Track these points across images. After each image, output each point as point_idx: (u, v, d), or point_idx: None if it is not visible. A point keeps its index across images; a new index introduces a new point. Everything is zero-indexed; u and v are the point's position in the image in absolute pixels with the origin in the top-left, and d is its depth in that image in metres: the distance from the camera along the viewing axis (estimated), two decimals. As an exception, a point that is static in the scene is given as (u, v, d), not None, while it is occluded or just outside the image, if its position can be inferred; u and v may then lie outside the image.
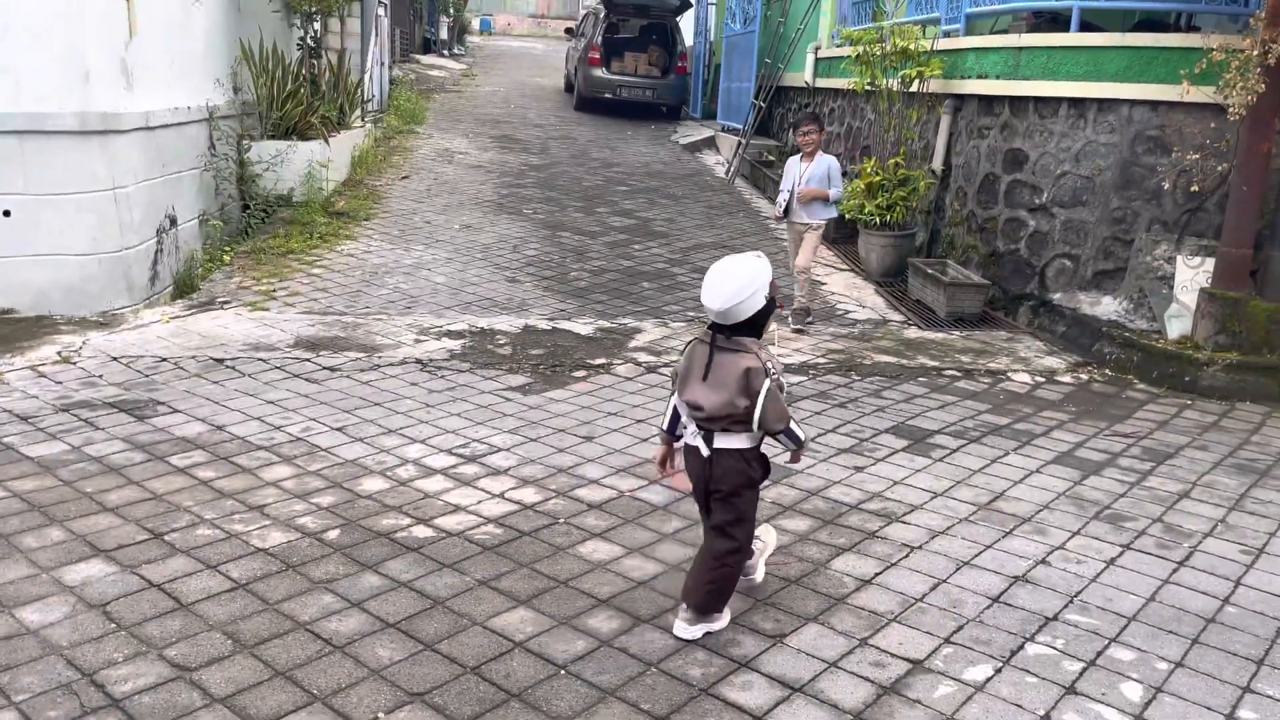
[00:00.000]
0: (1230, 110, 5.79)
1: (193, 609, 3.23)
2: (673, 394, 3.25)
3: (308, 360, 5.83)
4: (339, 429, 4.85)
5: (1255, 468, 4.85)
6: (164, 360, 5.68)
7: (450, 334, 6.50)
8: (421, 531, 3.87)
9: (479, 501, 4.16)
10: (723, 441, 3.11)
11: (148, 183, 6.75)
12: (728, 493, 3.15)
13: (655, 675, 3.02)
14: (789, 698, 2.94)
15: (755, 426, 3.05)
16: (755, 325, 3.11)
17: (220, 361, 5.71)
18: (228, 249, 7.94)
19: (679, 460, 3.37)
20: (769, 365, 3.06)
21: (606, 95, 16.87)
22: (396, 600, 3.37)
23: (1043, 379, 6.16)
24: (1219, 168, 6.32)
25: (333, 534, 3.80)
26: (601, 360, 6.12)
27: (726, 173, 12.69)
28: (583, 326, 6.81)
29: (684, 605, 3.22)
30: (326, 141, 9.35)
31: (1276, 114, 5.83)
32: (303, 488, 4.19)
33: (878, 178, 8.19)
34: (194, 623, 3.15)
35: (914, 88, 8.33)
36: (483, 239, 9.00)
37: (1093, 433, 5.26)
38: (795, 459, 3.34)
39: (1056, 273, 7.22)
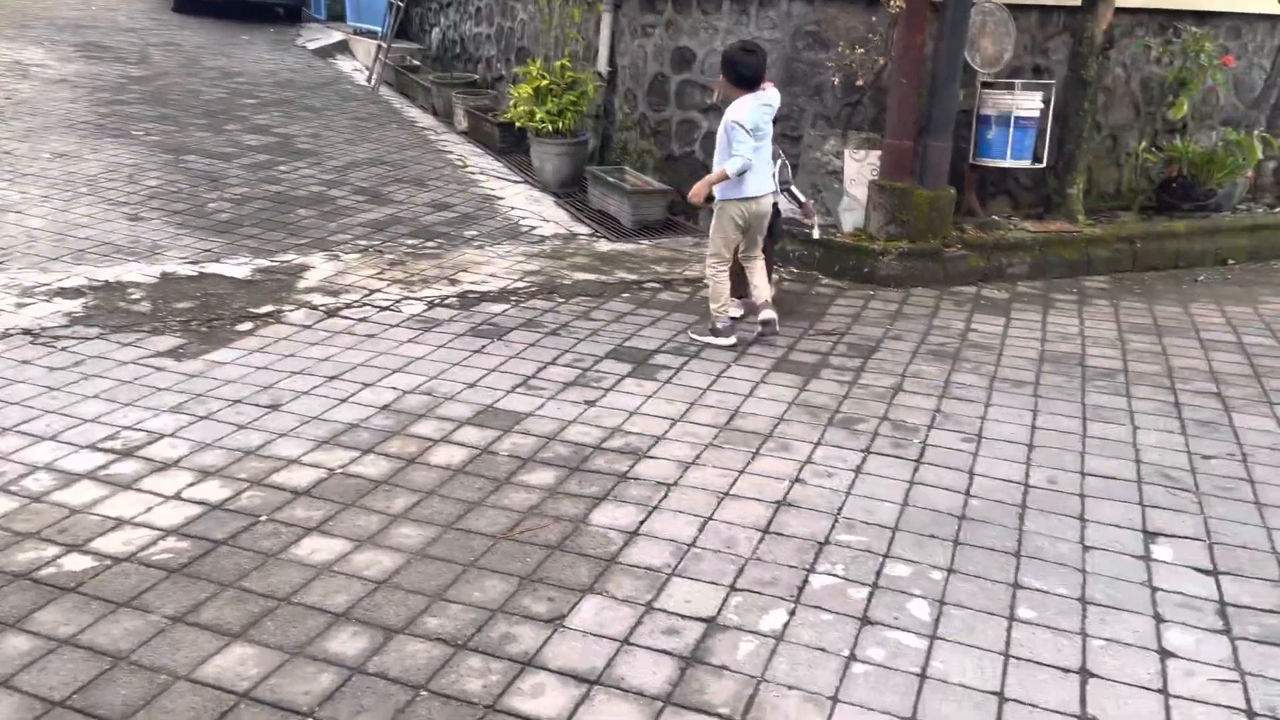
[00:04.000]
0: (890, 3, 5.92)
1: None
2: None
3: None
4: (-72, 437, 3.69)
5: (947, 352, 5.09)
6: None
7: (64, 292, 5.26)
8: (76, 562, 2.99)
9: (148, 509, 3.32)
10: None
11: None
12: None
13: (429, 699, 2.50)
14: (588, 695, 2.55)
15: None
16: None
17: None
18: None
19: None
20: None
21: (212, -6, 14.81)
22: (59, 666, 2.54)
23: (738, 282, 6.12)
24: (879, 61, 6.51)
25: (-55, 590, 2.83)
26: (269, 308, 5.23)
27: (369, 80, 11.58)
28: (237, 268, 5.80)
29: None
30: None
31: (929, 6, 6.05)
32: (-114, 529, 3.11)
33: (545, 81, 7.71)
34: None
35: (572, -17, 7.88)
36: (86, 169, 7.46)
37: (798, 334, 5.28)
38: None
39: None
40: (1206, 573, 3.17)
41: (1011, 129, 6.54)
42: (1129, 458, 3.97)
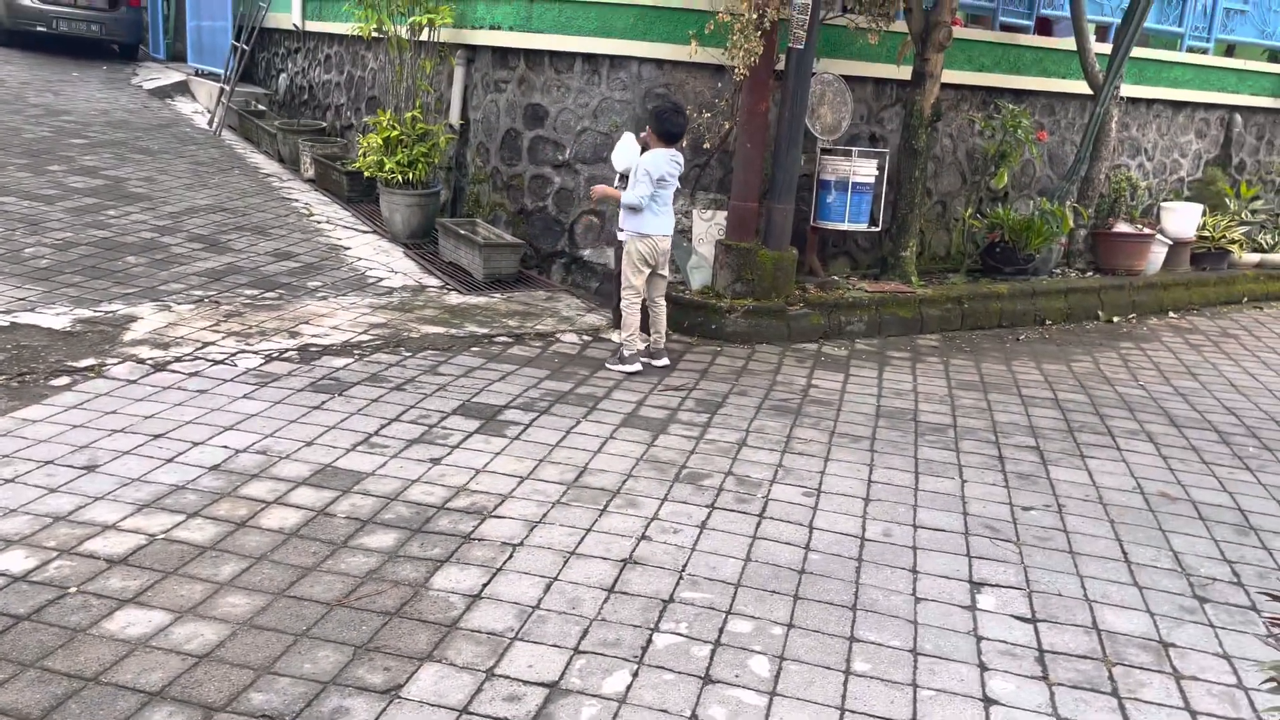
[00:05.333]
0: (736, 71, 6.15)
1: None
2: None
3: None
4: None
5: (789, 408, 5.23)
6: None
7: None
8: None
9: (-60, 582, 3.04)
10: None
11: None
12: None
13: (250, 784, 2.36)
14: (424, 769, 2.46)
15: None
16: None
17: None
18: None
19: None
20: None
21: (39, 28, 14.00)
22: None
23: (589, 337, 6.15)
24: (726, 125, 6.73)
25: None
26: (90, 361, 4.92)
27: (210, 124, 11.18)
28: (55, 318, 5.45)
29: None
30: None
31: (772, 75, 6.30)
32: None
33: (395, 132, 7.61)
34: None
35: (424, 36, 7.84)
36: (-114, 209, 6.90)
37: (648, 389, 5.33)
38: None
39: (585, 229, 7.28)
40: (1026, 620, 3.34)
41: (850, 194, 6.85)
42: (957, 510, 4.15)
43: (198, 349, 5.21)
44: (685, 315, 6.47)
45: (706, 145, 6.80)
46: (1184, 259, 8.85)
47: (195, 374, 4.90)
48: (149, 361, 4.99)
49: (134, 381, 4.74)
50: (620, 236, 5.70)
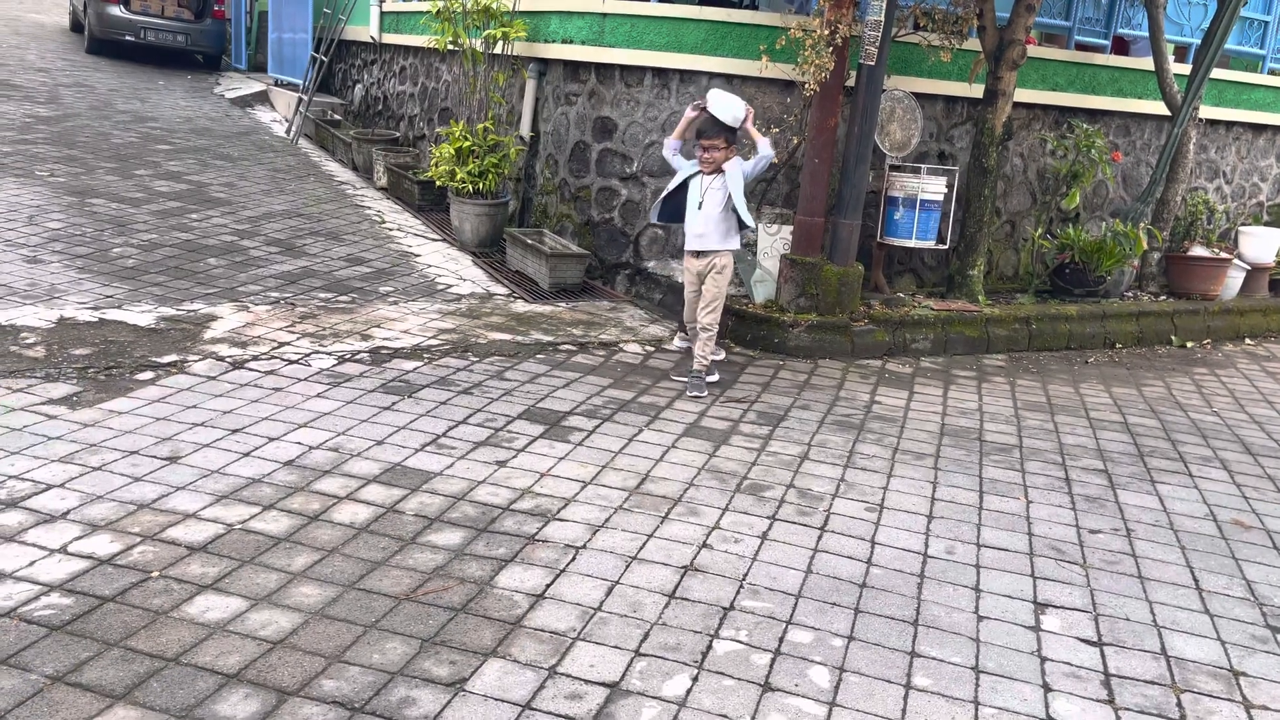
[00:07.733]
0: (806, 87, 6.17)
1: None
2: None
3: None
4: None
5: (852, 423, 5.22)
6: None
7: (-47, 333, 5.05)
8: (-50, 619, 2.85)
9: (31, 562, 3.18)
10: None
11: None
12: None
13: (321, 766, 2.43)
14: (488, 760, 2.51)
15: None
16: None
17: None
18: None
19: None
20: None
21: (127, 38, 14.57)
22: (-76, 732, 2.40)
23: (652, 348, 6.20)
24: (794, 140, 6.75)
25: None
26: (173, 357, 5.10)
27: (288, 132, 11.50)
28: (140, 315, 5.65)
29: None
30: None
31: (841, 91, 6.31)
32: None
33: (467, 143, 7.77)
34: None
35: (498, 49, 8.00)
36: (-16, 208, 7.22)
37: (710, 400, 5.36)
38: None
39: (650, 241, 7.35)
40: (1092, 644, 3.29)
41: (917, 211, 6.82)
42: (1022, 530, 4.11)
43: (274, 348, 5.37)
44: (748, 328, 6.49)
45: (774, 159, 6.81)
46: (1262, 285, 8.64)
47: (271, 372, 5.05)
48: (228, 359, 5.15)
49: (214, 378, 4.90)
50: (727, 246, 5.51)
